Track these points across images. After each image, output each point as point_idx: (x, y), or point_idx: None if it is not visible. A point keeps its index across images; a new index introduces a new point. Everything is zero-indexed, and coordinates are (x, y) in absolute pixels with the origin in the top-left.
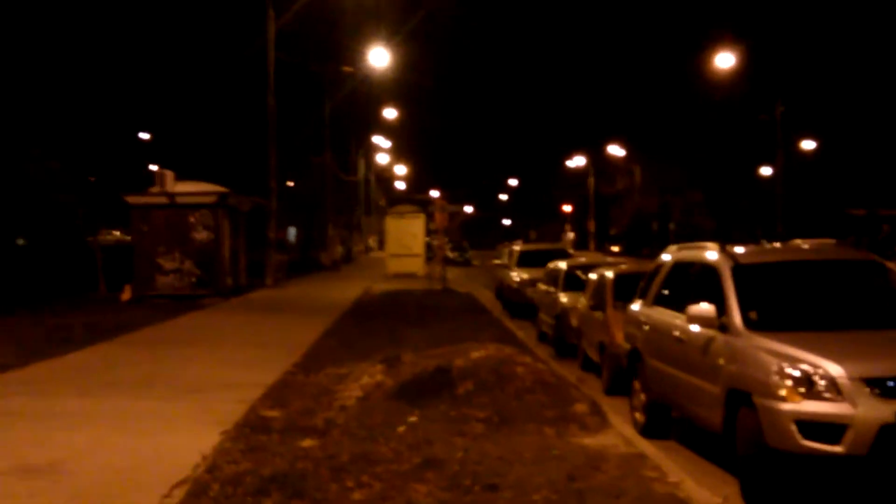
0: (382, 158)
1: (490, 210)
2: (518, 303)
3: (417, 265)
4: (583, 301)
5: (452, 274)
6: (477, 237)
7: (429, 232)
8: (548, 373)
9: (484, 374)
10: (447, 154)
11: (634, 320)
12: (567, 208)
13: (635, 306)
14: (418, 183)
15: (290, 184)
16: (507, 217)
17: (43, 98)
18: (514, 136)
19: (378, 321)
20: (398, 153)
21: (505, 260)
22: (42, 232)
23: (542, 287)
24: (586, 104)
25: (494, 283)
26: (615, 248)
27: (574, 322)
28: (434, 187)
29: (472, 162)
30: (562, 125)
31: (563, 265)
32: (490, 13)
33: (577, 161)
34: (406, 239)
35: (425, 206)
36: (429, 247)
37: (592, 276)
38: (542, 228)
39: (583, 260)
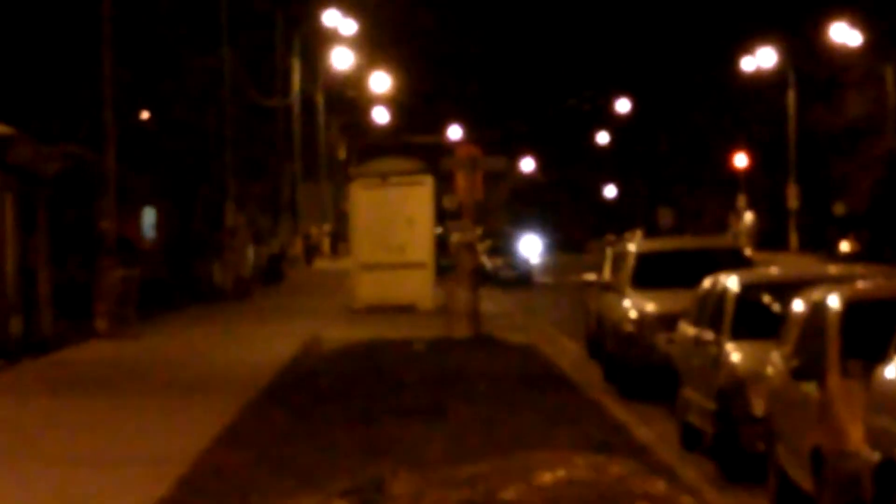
0: (343, 59)
1: (573, 167)
2: (637, 366)
3: (419, 286)
4: (777, 360)
5: (494, 303)
6: (546, 224)
7: (442, 216)
8: None
9: None
10: (483, 47)
11: (891, 400)
12: (740, 161)
13: (892, 371)
14: (420, 111)
15: (146, 116)
16: (610, 180)
17: None
18: (625, 4)
19: (338, 409)
20: (376, 48)
21: (607, 273)
22: None
23: (688, 331)
24: None
25: (586, 324)
26: (846, 246)
27: (757, 406)
28: (454, 120)
29: (536, 64)
30: None
31: (732, 283)
32: None
33: (761, 59)
34: (394, 231)
35: (434, 160)
36: (441, 245)
37: (797, 305)
38: (688, 203)
39: (775, 272)
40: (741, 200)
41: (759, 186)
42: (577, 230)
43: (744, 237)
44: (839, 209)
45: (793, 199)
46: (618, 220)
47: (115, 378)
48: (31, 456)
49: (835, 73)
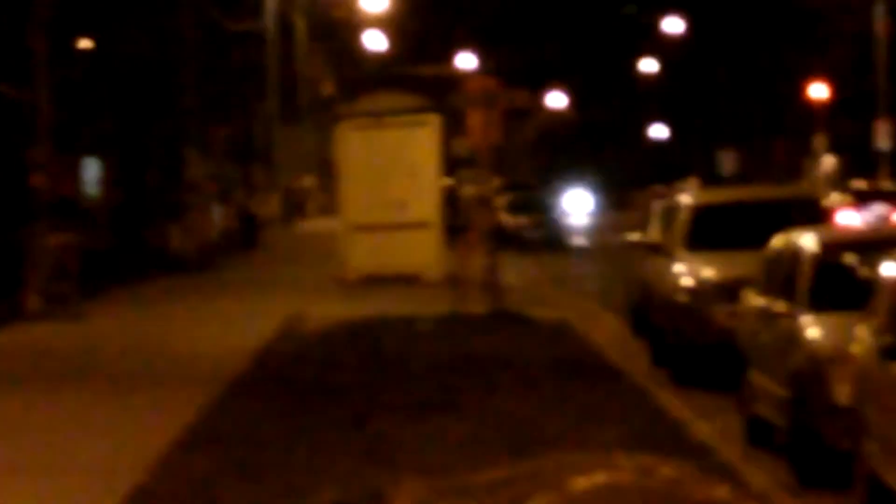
0: None
1: (613, 102)
2: (692, 346)
3: (424, 251)
4: (865, 336)
5: (517, 272)
6: (579, 173)
7: (452, 164)
8: None
9: None
10: None
11: None
12: (818, 91)
13: None
14: (424, 35)
15: (87, 45)
16: (659, 118)
17: None
18: None
19: (325, 404)
20: None
21: (655, 232)
22: None
23: (756, 302)
24: None
25: (629, 296)
26: None
27: (841, 394)
28: (465, 46)
29: None
30: None
31: (809, 242)
32: None
33: None
34: (393, 183)
35: (442, 95)
36: (451, 201)
37: (890, 269)
38: (754, 145)
39: (861, 228)
40: (819, 141)
41: (841, 124)
42: (618, 180)
43: (821, 186)
44: None
45: (883, 138)
46: (668, 166)
47: (50, 369)
48: None
49: None
